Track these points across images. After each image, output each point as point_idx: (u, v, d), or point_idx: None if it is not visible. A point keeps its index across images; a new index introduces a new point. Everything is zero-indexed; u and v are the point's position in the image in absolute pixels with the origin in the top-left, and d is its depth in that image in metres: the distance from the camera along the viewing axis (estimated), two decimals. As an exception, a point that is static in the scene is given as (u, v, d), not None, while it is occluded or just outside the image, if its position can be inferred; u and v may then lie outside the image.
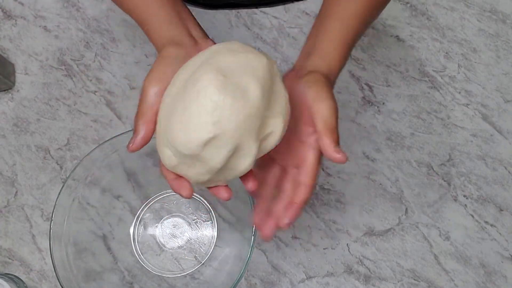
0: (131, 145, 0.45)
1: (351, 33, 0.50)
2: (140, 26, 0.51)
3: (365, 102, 0.77)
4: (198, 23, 0.51)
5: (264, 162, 0.50)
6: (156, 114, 0.45)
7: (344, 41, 0.50)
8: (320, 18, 0.52)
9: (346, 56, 0.50)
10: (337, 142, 0.45)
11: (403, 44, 0.79)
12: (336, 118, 0.45)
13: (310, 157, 0.47)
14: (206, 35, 0.51)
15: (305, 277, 0.70)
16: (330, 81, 0.48)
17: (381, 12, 0.56)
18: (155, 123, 0.45)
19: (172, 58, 0.46)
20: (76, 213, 0.66)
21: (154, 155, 0.73)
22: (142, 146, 0.45)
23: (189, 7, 0.83)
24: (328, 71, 0.48)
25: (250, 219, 0.60)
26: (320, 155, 0.47)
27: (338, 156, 0.44)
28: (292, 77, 0.48)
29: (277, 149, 0.46)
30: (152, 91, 0.44)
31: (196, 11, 0.82)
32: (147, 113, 0.44)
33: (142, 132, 0.44)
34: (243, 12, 0.82)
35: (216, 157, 0.42)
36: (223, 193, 0.47)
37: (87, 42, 0.81)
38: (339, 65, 0.50)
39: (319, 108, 0.45)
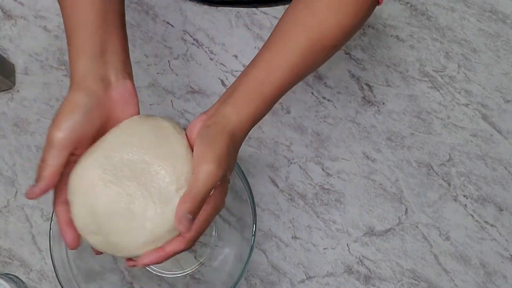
0: (29, 193, 0.43)
1: (275, 85, 0.47)
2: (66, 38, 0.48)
3: (365, 102, 0.77)
4: (127, 56, 0.48)
5: None
6: (60, 167, 0.42)
7: (264, 94, 0.47)
8: (247, 67, 0.48)
9: (263, 109, 0.47)
10: (191, 211, 0.41)
11: (403, 44, 0.79)
12: (209, 185, 0.42)
13: (201, 212, 0.45)
14: (128, 72, 0.48)
15: (305, 277, 0.70)
16: (232, 137, 0.45)
17: (324, 61, 0.51)
18: (58, 176, 0.43)
19: (81, 108, 0.43)
20: (76, 213, 0.66)
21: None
22: (39, 196, 0.43)
23: (190, 3, 0.83)
24: (237, 124, 0.46)
25: (250, 219, 0.60)
26: (215, 211, 0.45)
27: (178, 226, 0.41)
28: (199, 121, 0.46)
29: None
30: (58, 139, 0.42)
31: (196, 10, 0.82)
32: (51, 165, 0.42)
33: (43, 186, 0.42)
34: (243, 12, 0.82)
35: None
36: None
37: (87, 42, 0.80)
38: (252, 120, 0.47)
39: (197, 169, 0.43)
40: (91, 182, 0.44)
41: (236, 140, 0.46)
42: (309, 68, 0.50)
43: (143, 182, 0.44)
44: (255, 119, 0.47)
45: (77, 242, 0.46)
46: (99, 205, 0.43)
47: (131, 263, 0.47)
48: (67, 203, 0.45)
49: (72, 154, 0.44)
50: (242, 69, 0.79)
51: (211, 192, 0.44)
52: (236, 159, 0.48)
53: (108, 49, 0.46)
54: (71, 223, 0.45)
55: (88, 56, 0.45)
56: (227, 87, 0.78)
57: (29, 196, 0.43)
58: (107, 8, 0.47)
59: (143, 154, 0.44)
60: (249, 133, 0.75)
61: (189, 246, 0.45)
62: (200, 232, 0.45)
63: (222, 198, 0.46)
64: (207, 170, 0.42)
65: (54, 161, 0.42)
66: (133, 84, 0.48)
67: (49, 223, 0.63)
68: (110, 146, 0.45)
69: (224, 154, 0.43)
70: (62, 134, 0.42)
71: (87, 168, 0.44)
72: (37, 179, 0.43)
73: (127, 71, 0.48)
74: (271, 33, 0.49)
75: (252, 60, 0.49)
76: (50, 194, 0.74)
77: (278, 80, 0.47)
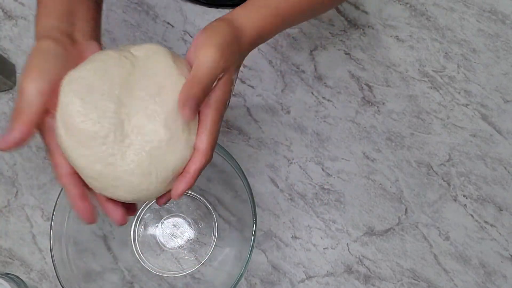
0: (1, 142, 0.39)
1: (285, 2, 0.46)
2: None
3: (365, 102, 0.77)
4: (96, 26, 0.47)
5: None
6: (37, 114, 0.39)
7: (277, 4, 0.46)
8: None
9: (273, 23, 0.46)
10: (194, 98, 0.39)
11: (403, 45, 0.80)
12: (213, 71, 0.40)
13: (205, 118, 0.42)
14: (97, 38, 0.46)
15: (305, 277, 0.70)
16: (238, 33, 0.43)
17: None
18: (34, 125, 0.39)
19: (51, 54, 0.41)
20: (77, 213, 0.66)
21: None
22: (14, 148, 0.39)
23: (190, 5, 0.83)
24: (245, 23, 0.44)
25: (250, 219, 0.60)
26: (219, 114, 0.42)
27: (182, 111, 0.39)
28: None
29: None
30: (32, 88, 0.39)
31: (196, 11, 0.82)
32: (26, 112, 0.39)
33: (17, 134, 0.38)
34: (243, 12, 0.82)
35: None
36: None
37: (87, 43, 0.81)
38: (261, 27, 0.45)
39: (199, 54, 0.40)
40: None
41: (241, 38, 0.44)
42: None
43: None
44: (264, 29, 0.46)
45: (95, 214, 0.42)
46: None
47: (163, 199, 0.44)
48: (73, 174, 0.42)
49: (48, 111, 0.40)
50: (242, 69, 0.79)
51: (214, 84, 0.41)
52: (241, 62, 0.45)
53: (76, 15, 0.44)
54: (85, 196, 0.42)
55: (54, 16, 0.43)
56: (227, 87, 0.78)
57: (1, 146, 0.39)
58: None
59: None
60: (249, 133, 0.75)
61: (210, 158, 0.42)
62: (215, 137, 0.42)
63: (226, 97, 0.43)
64: (210, 54, 0.40)
65: (29, 109, 0.39)
66: (101, 46, 0.46)
67: (50, 223, 0.63)
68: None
69: (228, 42, 0.41)
70: (34, 83, 0.39)
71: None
72: (10, 130, 0.38)
73: (96, 36, 0.46)
74: None
75: None
76: (52, 194, 0.74)
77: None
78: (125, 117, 0.41)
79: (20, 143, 0.39)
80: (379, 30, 0.80)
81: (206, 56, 0.40)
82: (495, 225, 0.72)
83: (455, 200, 0.73)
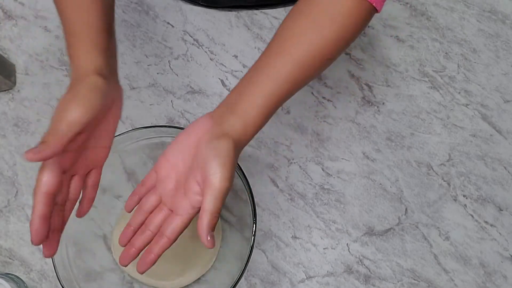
0: (32, 153, 0.41)
1: (276, 96, 0.49)
2: (67, 38, 0.50)
3: (365, 102, 0.77)
4: (116, 58, 0.52)
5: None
6: (69, 139, 0.43)
7: (267, 104, 0.49)
8: (250, 73, 0.50)
9: (266, 117, 0.50)
10: (213, 227, 0.45)
11: (403, 44, 0.80)
12: (223, 200, 0.46)
13: (178, 219, 0.49)
14: (116, 73, 0.52)
15: (305, 277, 0.70)
16: (239, 147, 0.48)
17: (322, 71, 0.53)
18: (63, 148, 0.43)
19: (101, 91, 0.46)
20: (77, 213, 0.66)
21: (153, 155, 0.73)
22: (41, 159, 0.42)
23: (189, 5, 0.83)
24: (242, 132, 0.48)
25: (250, 219, 0.60)
26: (188, 222, 0.49)
27: (207, 241, 0.45)
28: (208, 125, 0.49)
29: (164, 186, 0.50)
30: (77, 116, 0.44)
31: (196, 10, 0.82)
32: (63, 135, 0.42)
33: (50, 149, 0.42)
34: (243, 12, 0.82)
35: None
36: None
37: (87, 43, 0.81)
38: (256, 127, 0.50)
39: (213, 187, 0.45)
40: None
41: (239, 148, 0.49)
42: (307, 78, 0.52)
43: None
44: (258, 129, 0.50)
45: (51, 246, 0.47)
46: None
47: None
48: (50, 195, 0.45)
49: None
50: (242, 69, 0.79)
51: None
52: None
53: (109, 51, 0.50)
54: (46, 218, 0.44)
55: (97, 52, 0.48)
56: (227, 87, 0.78)
57: (32, 157, 0.41)
58: (110, 14, 0.51)
59: None
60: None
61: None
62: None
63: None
64: (223, 187, 0.45)
65: (65, 131, 0.43)
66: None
67: (50, 223, 0.63)
68: None
69: (231, 171, 0.46)
70: (80, 112, 0.44)
71: None
72: (43, 143, 0.42)
73: (116, 74, 0.52)
74: (273, 40, 0.51)
75: (254, 67, 0.50)
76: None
77: (281, 92, 0.50)
78: None
79: (47, 158, 0.42)
80: (379, 30, 0.80)
81: (222, 190, 0.45)
82: (495, 225, 0.72)
83: (455, 200, 0.73)
